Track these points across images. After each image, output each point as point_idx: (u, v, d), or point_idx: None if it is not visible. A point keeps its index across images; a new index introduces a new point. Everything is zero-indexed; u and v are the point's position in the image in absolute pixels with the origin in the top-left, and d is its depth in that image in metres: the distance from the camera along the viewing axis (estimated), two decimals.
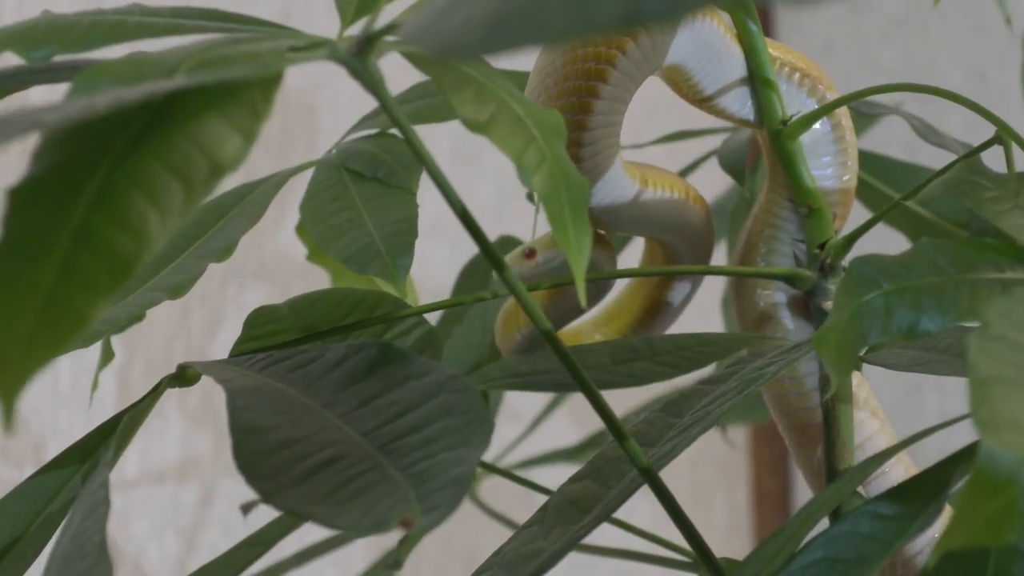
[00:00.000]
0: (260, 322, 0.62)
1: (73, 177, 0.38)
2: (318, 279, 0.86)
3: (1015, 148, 0.60)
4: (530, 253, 0.67)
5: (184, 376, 0.56)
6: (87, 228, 0.37)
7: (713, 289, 1.22)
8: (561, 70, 0.62)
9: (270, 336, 0.61)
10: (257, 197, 0.68)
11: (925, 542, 0.65)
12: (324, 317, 0.62)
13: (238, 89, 0.40)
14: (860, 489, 0.64)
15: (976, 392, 0.35)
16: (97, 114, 0.37)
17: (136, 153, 0.39)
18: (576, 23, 0.30)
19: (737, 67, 0.65)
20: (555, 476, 0.68)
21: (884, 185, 0.82)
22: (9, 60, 0.50)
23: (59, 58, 0.48)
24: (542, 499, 0.59)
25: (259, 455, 0.45)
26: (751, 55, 0.64)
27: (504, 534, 0.59)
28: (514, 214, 1.27)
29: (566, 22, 0.30)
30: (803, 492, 1.65)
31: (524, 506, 0.58)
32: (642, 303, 0.73)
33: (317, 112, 1.31)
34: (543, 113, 0.45)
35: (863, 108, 0.76)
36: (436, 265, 1.16)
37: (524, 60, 0.54)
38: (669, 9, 0.30)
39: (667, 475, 0.54)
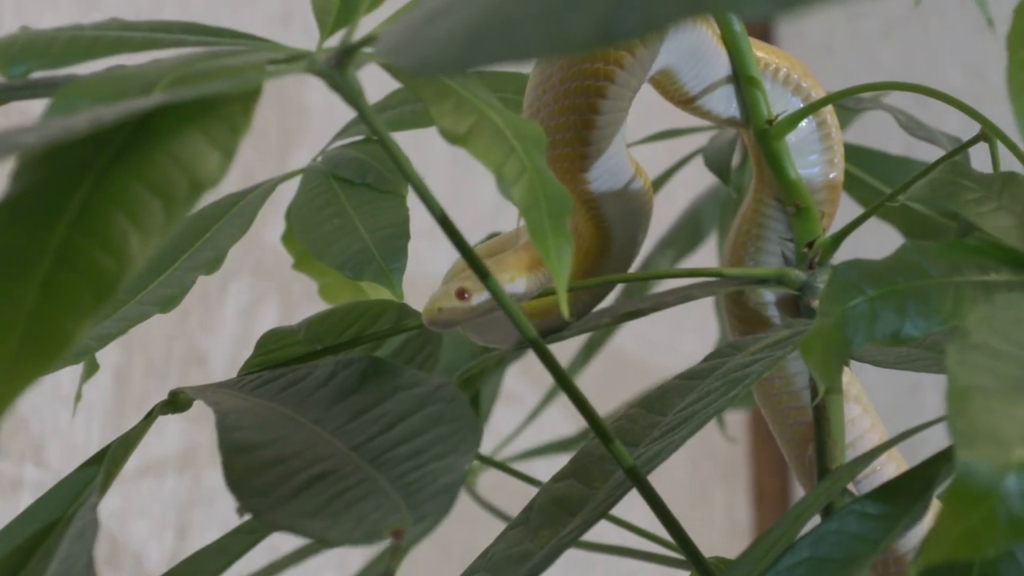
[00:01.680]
0: (272, 340, 0.61)
1: (53, 196, 0.38)
2: None
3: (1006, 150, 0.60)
4: (462, 293, 0.60)
5: (176, 402, 0.57)
6: (68, 248, 0.37)
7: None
8: (559, 87, 0.62)
9: (281, 351, 0.61)
10: (244, 208, 0.68)
11: (917, 539, 0.65)
12: (333, 331, 0.62)
13: (217, 104, 0.40)
14: (851, 487, 0.64)
15: (954, 403, 0.35)
16: (77, 134, 0.37)
17: (116, 171, 0.38)
18: (551, 41, 0.30)
19: (722, 68, 0.64)
20: (552, 469, 0.67)
21: (874, 179, 0.82)
22: None
23: (38, 74, 0.48)
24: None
25: (250, 473, 0.45)
26: (736, 56, 0.64)
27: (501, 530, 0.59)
28: (512, 215, 1.27)
29: (541, 40, 0.30)
30: (803, 491, 1.64)
31: (524, 501, 0.57)
32: (578, 265, 0.68)
33: (315, 113, 1.31)
34: (523, 124, 0.45)
35: (847, 103, 0.76)
36: (435, 266, 1.15)
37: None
38: (643, 25, 0.30)
39: (666, 474, 0.53)
